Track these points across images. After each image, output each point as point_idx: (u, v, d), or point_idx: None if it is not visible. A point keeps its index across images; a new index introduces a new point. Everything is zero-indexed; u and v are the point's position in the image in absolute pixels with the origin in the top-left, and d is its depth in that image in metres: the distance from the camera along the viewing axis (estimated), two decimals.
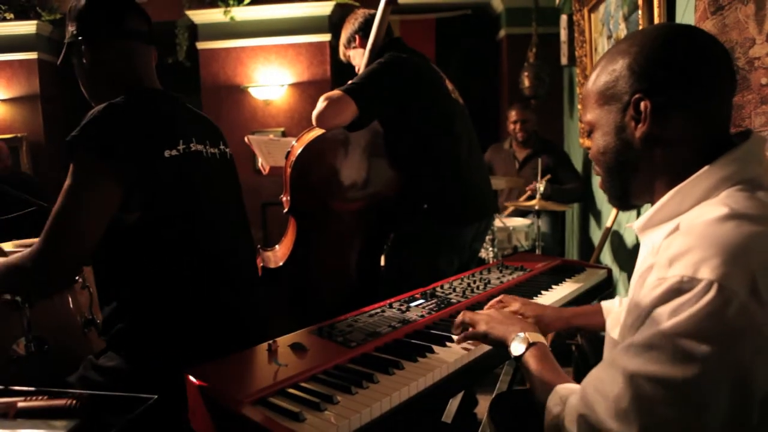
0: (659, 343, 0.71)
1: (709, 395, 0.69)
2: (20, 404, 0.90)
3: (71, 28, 1.30)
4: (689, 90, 0.83)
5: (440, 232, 2.00)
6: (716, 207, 0.78)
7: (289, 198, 1.91)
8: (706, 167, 0.82)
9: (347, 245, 2.06)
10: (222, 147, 1.42)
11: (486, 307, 1.33)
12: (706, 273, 0.70)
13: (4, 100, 5.24)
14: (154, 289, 1.23)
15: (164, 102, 1.33)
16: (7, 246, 1.73)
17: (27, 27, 5.09)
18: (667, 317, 0.71)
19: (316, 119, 1.80)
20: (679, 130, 0.84)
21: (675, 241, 0.77)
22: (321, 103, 1.79)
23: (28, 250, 1.17)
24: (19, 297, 1.41)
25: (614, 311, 1.24)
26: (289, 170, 1.90)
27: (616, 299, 1.31)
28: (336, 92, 1.80)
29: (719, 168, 0.82)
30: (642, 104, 0.84)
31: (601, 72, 0.90)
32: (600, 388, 0.78)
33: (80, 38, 1.28)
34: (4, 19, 5.03)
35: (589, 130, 0.95)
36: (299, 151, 1.89)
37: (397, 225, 2.10)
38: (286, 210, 1.93)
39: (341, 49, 2.25)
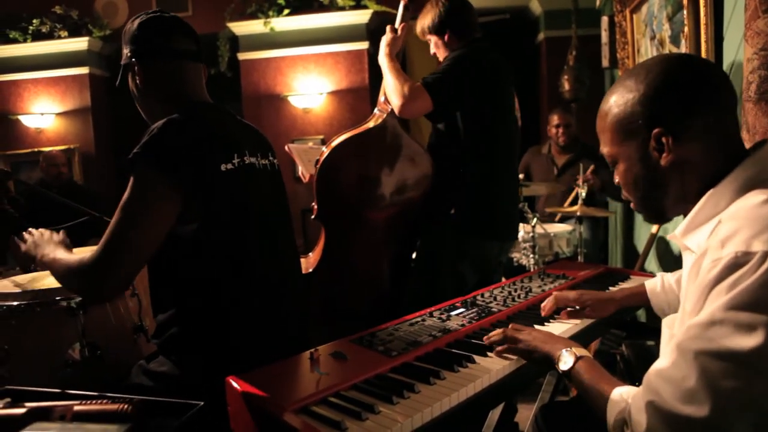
0: (721, 318, 0.73)
1: None
2: (76, 407, 0.94)
3: (125, 51, 1.36)
4: (701, 116, 0.89)
5: (463, 241, 2.00)
6: (755, 196, 0.82)
7: (316, 204, 1.95)
8: (733, 171, 0.88)
9: (376, 251, 2.07)
10: (270, 158, 1.46)
11: (543, 311, 1.41)
12: (759, 245, 0.73)
13: (58, 114, 5.49)
14: (208, 297, 1.26)
15: (217, 115, 1.37)
16: None
17: (79, 43, 5.32)
18: (726, 292, 0.73)
19: (398, 108, 1.90)
20: (700, 150, 0.91)
21: (723, 227, 0.81)
22: (402, 93, 1.87)
23: (88, 254, 1.21)
24: (77, 299, 1.48)
25: (670, 315, 1.23)
26: (315, 176, 1.95)
27: (658, 278, 1.37)
28: (415, 84, 1.89)
29: (745, 168, 0.88)
30: (663, 139, 0.90)
31: (613, 108, 0.96)
32: (663, 373, 0.79)
33: (134, 59, 1.34)
34: (59, 37, 5.28)
35: (612, 161, 1.00)
36: (324, 156, 1.93)
37: (421, 230, 2.10)
38: (314, 216, 1.97)
39: (424, 30, 2.13)
